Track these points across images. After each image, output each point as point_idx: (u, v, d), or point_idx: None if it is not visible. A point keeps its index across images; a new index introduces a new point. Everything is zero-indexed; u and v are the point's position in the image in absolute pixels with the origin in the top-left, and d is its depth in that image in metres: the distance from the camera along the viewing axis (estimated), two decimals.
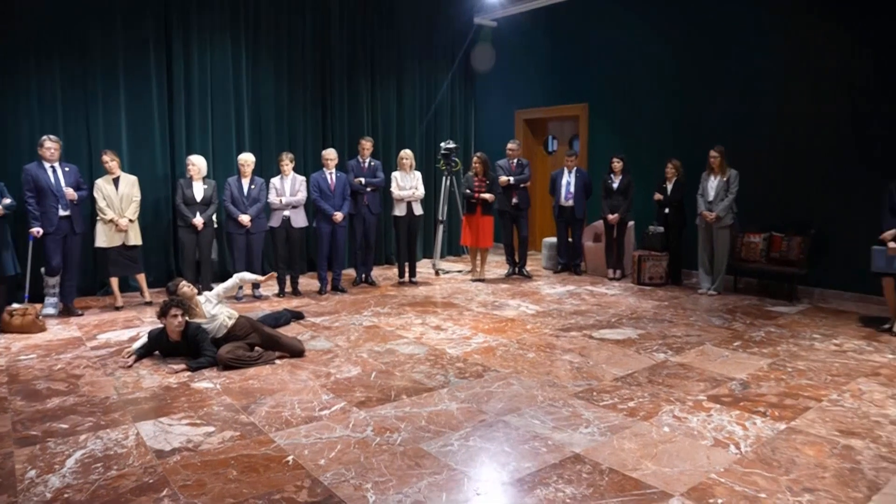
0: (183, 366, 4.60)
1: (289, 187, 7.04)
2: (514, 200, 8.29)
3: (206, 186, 6.78)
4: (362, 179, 7.49)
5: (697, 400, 4.07)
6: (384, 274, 8.63)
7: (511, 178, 8.26)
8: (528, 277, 8.44)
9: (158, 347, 4.87)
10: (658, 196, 7.92)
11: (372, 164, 7.70)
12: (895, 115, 6.64)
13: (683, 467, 3.14)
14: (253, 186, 6.89)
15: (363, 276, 7.85)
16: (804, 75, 7.29)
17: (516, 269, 8.62)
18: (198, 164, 6.81)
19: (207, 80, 7.76)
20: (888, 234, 5.66)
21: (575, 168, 8.58)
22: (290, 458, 3.23)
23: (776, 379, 4.50)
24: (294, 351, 4.95)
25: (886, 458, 3.28)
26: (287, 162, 7.06)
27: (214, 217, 7.02)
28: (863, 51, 6.85)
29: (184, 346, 4.76)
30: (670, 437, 3.51)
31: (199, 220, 6.64)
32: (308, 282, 7.83)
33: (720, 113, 7.99)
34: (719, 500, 2.84)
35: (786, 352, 5.18)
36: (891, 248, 5.62)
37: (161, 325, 4.80)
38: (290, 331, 5.61)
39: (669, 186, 7.84)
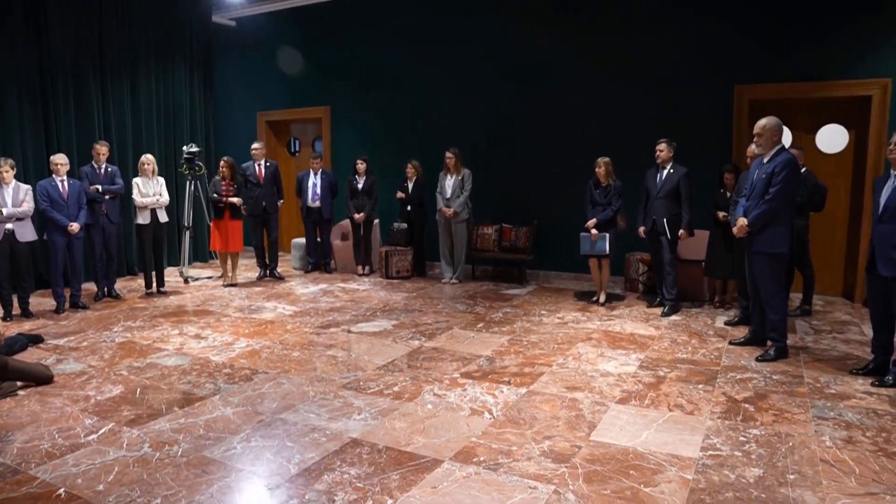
0: None
1: (10, 197, 6.34)
2: (263, 204, 8.39)
3: None
4: (99, 187, 6.99)
5: (453, 378, 4.64)
6: (128, 286, 8.12)
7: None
8: (281, 279, 8.55)
9: None
10: (400, 195, 8.54)
11: (109, 169, 7.21)
12: (594, 129, 7.95)
13: (448, 436, 3.63)
14: None
15: (106, 289, 7.32)
16: (527, 83, 8.35)
17: (268, 272, 8.68)
18: None
19: None
20: (590, 223, 6.85)
21: (320, 170, 8.86)
22: (61, 490, 3.06)
23: (515, 352, 5.26)
24: (40, 378, 4.55)
25: (599, 403, 4.14)
26: (7, 169, 6.33)
27: None
28: (581, 64, 8.01)
29: None
30: (434, 412, 3.99)
31: None
32: (41, 300, 7.09)
33: (455, 116, 8.83)
34: (481, 458, 3.36)
35: (521, 328, 6.02)
36: (593, 234, 6.80)
37: None
38: (29, 356, 5.13)
39: (410, 185, 8.49)
